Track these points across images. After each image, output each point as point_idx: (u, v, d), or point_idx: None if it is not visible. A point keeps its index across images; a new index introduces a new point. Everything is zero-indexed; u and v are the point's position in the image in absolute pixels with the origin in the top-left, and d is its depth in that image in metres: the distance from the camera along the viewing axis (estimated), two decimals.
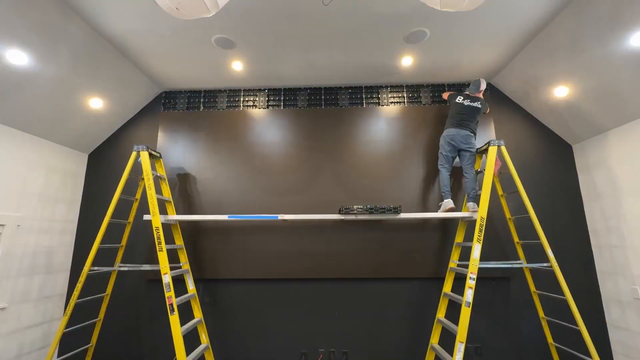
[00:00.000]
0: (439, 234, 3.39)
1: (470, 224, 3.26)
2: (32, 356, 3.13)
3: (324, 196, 3.49)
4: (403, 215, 3.07)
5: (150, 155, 3.10)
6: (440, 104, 3.68)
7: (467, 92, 3.34)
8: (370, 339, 3.29)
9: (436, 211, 3.36)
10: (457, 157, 3.27)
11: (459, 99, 3.26)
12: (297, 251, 3.40)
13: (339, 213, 3.07)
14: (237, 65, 3.36)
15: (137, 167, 3.08)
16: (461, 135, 3.16)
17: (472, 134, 3.21)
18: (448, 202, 3.10)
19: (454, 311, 3.20)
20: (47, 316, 3.30)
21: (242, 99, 3.82)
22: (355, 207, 3.01)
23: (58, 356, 3.24)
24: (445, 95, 3.52)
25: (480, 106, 3.22)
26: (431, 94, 3.72)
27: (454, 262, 3.11)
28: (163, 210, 3.25)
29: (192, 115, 3.78)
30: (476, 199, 3.02)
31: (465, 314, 2.46)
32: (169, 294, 2.58)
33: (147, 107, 3.89)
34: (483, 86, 3.30)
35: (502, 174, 3.26)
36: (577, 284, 3.24)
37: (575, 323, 2.67)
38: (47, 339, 3.29)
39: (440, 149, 3.29)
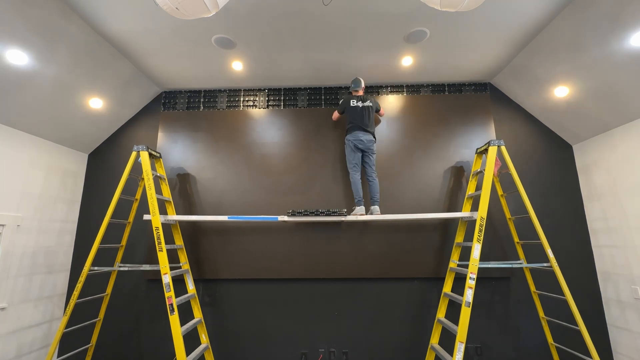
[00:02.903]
0: (439, 234, 3.39)
1: (470, 224, 3.26)
2: (32, 356, 3.12)
3: (324, 196, 3.49)
4: (407, 216, 3.07)
5: (150, 155, 3.10)
6: (440, 104, 3.68)
7: (353, 92, 3.39)
8: (370, 339, 3.29)
9: (436, 211, 3.37)
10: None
11: (353, 103, 3.30)
12: (297, 251, 3.40)
13: (287, 215, 3.08)
14: (237, 65, 3.36)
15: (137, 167, 3.08)
16: (367, 138, 3.22)
17: (374, 139, 3.30)
18: (361, 209, 3.12)
19: (454, 311, 3.21)
20: (47, 316, 3.30)
21: (242, 99, 3.82)
22: (303, 210, 3.07)
23: (58, 356, 3.25)
24: (335, 116, 3.52)
25: (372, 105, 3.31)
26: (431, 94, 3.72)
27: (454, 262, 3.11)
28: (163, 211, 3.25)
29: (192, 115, 3.78)
30: (476, 199, 3.03)
31: (465, 314, 2.46)
32: (169, 294, 2.58)
33: (147, 107, 3.89)
34: (363, 83, 3.39)
35: (502, 174, 3.26)
36: (577, 284, 3.24)
37: (575, 323, 2.67)
38: (47, 339, 3.29)
39: (348, 154, 3.26)
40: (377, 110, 3.45)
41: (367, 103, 3.30)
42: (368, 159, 3.26)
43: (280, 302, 3.39)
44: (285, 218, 3.11)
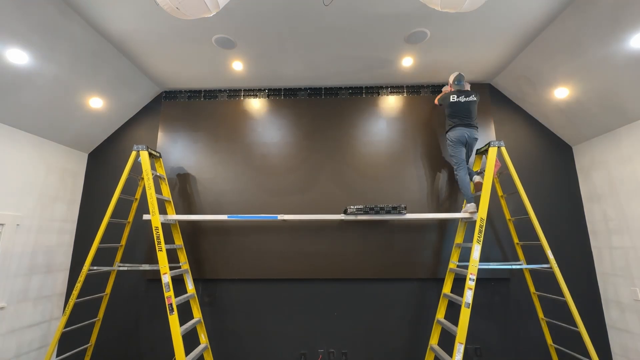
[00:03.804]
0: (439, 235, 3.39)
1: (470, 224, 3.26)
2: (30, 356, 3.12)
3: (324, 196, 3.49)
4: (407, 216, 3.07)
5: (150, 154, 3.10)
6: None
7: (458, 89, 3.24)
8: (369, 339, 3.29)
9: (436, 211, 3.37)
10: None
11: (454, 98, 3.18)
12: (296, 251, 3.39)
13: (344, 213, 3.07)
14: (237, 65, 3.36)
15: (137, 167, 3.08)
16: (471, 133, 3.12)
17: (477, 135, 3.18)
18: (472, 206, 3.00)
19: (453, 312, 3.21)
20: (46, 316, 3.30)
21: (242, 99, 3.81)
22: (355, 207, 3.02)
23: (57, 356, 3.24)
24: (436, 101, 3.46)
25: (476, 99, 3.18)
26: (431, 94, 3.72)
27: (453, 262, 3.11)
28: (163, 210, 3.25)
29: (192, 114, 3.77)
30: (476, 200, 3.02)
31: (464, 315, 2.45)
32: (169, 294, 2.58)
33: (147, 106, 3.89)
34: (464, 80, 3.28)
35: (502, 174, 3.26)
36: (577, 285, 3.24)
37: (574, 324, 2.67)
38: (46, 339, 3.28)
39: (452, 152, 3.16)
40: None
41: (471, 98, 3.15)
42: (470, 152, 3.18)
43: (279, 302, 3.39)
44: (285, 217, 3.10)
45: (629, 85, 2.70)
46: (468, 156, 3.19)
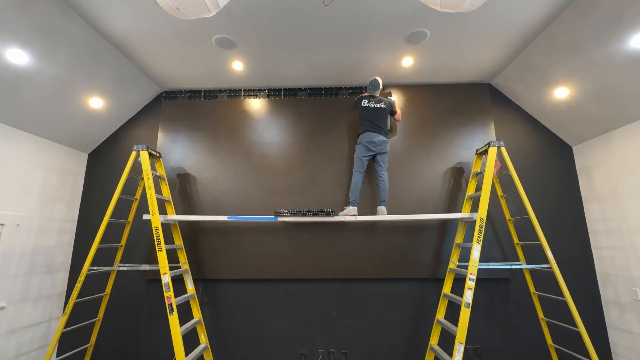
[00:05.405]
0: (439, 235, 3.39)
1: (470, 224, 3.26)
2: (30, 356, 3.12)
3: (324, 196, 3.49)
4: (405, 217, 3.08)
5: (150, 155, 3.10)
6: (440, 104, 3.67)
7: (368, 93, 3.39)
8: (369, 339, 3.29)
9: (435, 212, 3.37)
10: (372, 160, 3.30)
11: (364, 103, 3.31)
12: (296, 251, 3.39)
13: (274, 215, 3.09)
14: (238, 65, 3.36)
15: (137, 167, 3.08)
16: (379, 139, 3.21)
17: (387, 139, 3.28)
18: (354, 209, 3.10)
19: (453, 312, 3.21)
20: (46, 316, 3.30)
21: (242, 99, 3.81)
22: (287, 210, 3.06)
23: (57, 356, 3.24)
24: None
25: (385, 106, 3.29)
26: (432, 95, 3.72)
27: (453, 262, 3.11)
28: (162, 210, 3.25)
29: (192, 115, 3.77)
30: (476, 200, 3.03)
31: (464, 315, 2.45)
32: (168, 294, 2.58)
33: (147, 106, 3.89)
34: (380, 85, 3.37)
35: (502, 174, 3.26)
36: (577, 285, 3.24)
37: (574, 324, 2.67)
38: (46, 339, 3.28)
39: (357, 153, 3.26)
40: (393, 114, 3.40)
41: (381, 105, 3.28)
42: (381, 159, 3.24)
43: (279, 302, 3.39)
44: (285, 218, 3.11)
45: (629, 85, 2.70)
46: (379, 163, 3.24)
